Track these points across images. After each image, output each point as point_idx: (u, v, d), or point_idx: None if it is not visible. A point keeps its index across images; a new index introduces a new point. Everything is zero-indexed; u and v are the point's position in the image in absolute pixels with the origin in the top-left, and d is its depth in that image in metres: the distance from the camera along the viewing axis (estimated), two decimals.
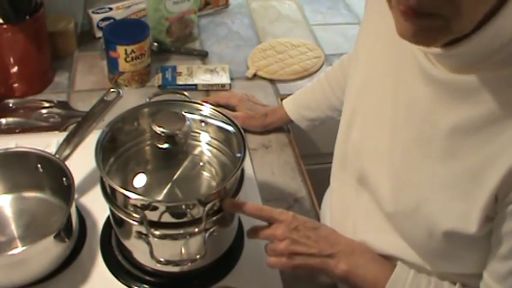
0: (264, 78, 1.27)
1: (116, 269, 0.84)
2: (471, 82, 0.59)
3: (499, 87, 0.58)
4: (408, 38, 0.57)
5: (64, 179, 0.84)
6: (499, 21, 0.54)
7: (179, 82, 1.21)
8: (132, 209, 0.74)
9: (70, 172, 0.84)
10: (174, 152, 0.79)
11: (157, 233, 0.73)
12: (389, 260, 0.75)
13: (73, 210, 0.82)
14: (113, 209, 0.76)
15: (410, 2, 0.52)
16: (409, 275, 0.71)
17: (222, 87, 1.22)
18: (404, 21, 0.55)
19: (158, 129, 0.76)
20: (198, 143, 0.83)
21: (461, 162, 0.62)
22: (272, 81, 1.26)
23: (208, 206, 0.73)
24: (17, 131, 1.07)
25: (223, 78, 1.23)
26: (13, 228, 0.87)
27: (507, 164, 0.58)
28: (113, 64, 1.17)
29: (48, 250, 0.78)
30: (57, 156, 0.89)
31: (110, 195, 0.77)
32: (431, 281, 0.71)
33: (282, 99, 1.15)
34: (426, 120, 0.66)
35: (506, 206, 0.60)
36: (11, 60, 1.12)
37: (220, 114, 0.84)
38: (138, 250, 0.80)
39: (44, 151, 0.88)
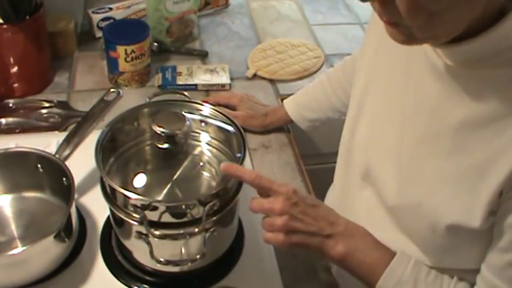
0: (264, 78, 1.27)
1: (116, 269, 0.84)
2: (480, 78, 0.60)
3: (508, 84, 0.58)
4: (396, 40, 0.60)
5: (64, 179, 0.84)
6: (508, 22, 0.55)
7: (179, 82, 1.21)
8: (132, 209, 0.74)
9: (70, 172, 0.84)
10: (174, 152, 0.79)
11: (157, 233, 0.73)
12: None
13: (73, 210, 0.82)
14: (113, 209, 0.76)
15: (382, 18, 0.57)
16: (409, 262, 0.71)
17: (222, 87, 1.22)
18: (389, 28, 0.59)
19: (158, 129, 0.76)
20: (198, 143, 0.83)
21: (468, 157, 0.63)
22: (272, 81, 1.26)
23: (208, 206, 0.73)
24: (17, 131, 1.07)
25: (223, 78, 1.23)
26: (13, 228, 0.87)
27: None
28: (113, 64, 1.17)
29: (48, 250, 0.78)
30: (57, 156, 0.89)
31: (110, 195, 0.77)
32: (431, 271, 0.71)
33: (282, 99, 1.15)
34: (434, 115, 0.66)
35: (509, 199, 0.60)
36: (11, 60, 1.12)
37: (220, 114, 0.84)
38: (138, 250, 0.80)
39: (44, 151, 0.88)
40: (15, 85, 1.14)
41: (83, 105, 1.13)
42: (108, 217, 0.87)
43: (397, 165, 0.72)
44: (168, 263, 0.76)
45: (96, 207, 0.91)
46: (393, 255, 0.72)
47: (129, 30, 1.18)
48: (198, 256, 0.76)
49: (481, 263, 0.67)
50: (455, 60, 0.62)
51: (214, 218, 0.75)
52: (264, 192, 0.73)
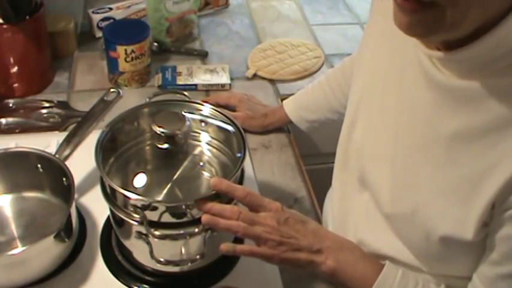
0: (264, 78, 1.27)
1: (116, 269, 0.84)
2: (475, 89, 0.59)
3: (503, 95, 0.58)
4: (403, 29, 0.58)
5: (64, 179, 0.84)
6: (504, 28, 0.54)
7: (179, 82, 1.21)
8: (132, 209, 0.74)
9: (70, 172, 0.84)
10: (174, 152, 0.79)
11: (157, 233, 0.73)
12: (385, 261, 0.75)
13: (73, 210, 0.82)
14: (113, 209, 0.76)
15: (411, 2, 0.53)
16: (397, 275, 0.71)
17: (222, 87, 1.22)
18: (400, 13, 0.56)
19: (158, 129, 0.76)
20: (198, 143, 0.83)
21: (460, 169, 0.62)
22: (272, 81, 1.26)
23: None
24: (17, 131, 1.07)
25: (223, 78, 1.23)
26: (13, 228, 0.87)
27: (507, 172, 0.58)
28: (113, 64, 1.17)
29: (48, 250, 0.78)
30: (57, 156, 0.89)
31: (110, 195, 0.77)
32: (418, 282, 0.71)
33: (282, 99, 1.15)
34: (428, 124, 0.65)
35: (503, 212, 0.60)
36: (11, 60, 1.12)
37: (220, 114, 0.84)
38: (138, 250, 0.80)
39: (44, 151, 0.88)
40: (15, 85, 1.14)
41: (83, 105, 1.13)
42: (108, 217, 0.87)
43: (391, 172, 0.71)
44: (168, 263, 0.76)
45: (96, 207, 0.91)
46: (382, 268, 0.72)
47: (129, 30, 1.18)
48: (198, 256, 0.76)
49: (474, 272, 0.67)
50: (451, 69, 0.61)
51: None
52: (254, 208, 0.74)
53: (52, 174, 0.87)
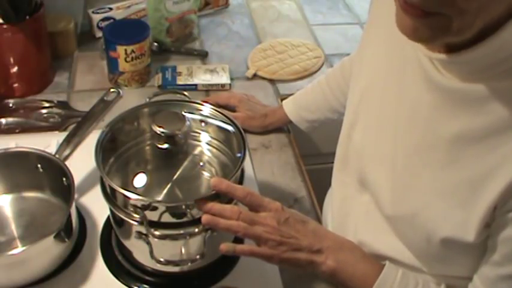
0: (264, 78, 1.27)
1: (116, 269, 0.84)
2: (476, 91, 0.59)
3: (504, 98, 0.58)
4: (406, 33, 0.57)
5: (64, 179, 0.84)
6: (508, 31, 0.54)
7: (179, 82, 1.21)
8: (132, 209, 0.74)
9: (70, 172, 0.84)
10: (174, 152, 0.79)
11: (157, 233, 0.73)
12: (385, 261, 0.75)
13: (73, 210, 0.82)
14: (113, 209, 0.76)
15: (413, 0, 0.52)
16: (397, 275, 0.71)
17: (222, 87, 1.22)
18: (405, 16, 0.55)
19: (158, 129, 0.76)
20: (198, 143, 0.83)
21: (461, 171, 0.62)
22: (272, 81, 1.26)
23: None
24: (17, 131, 1.07)
25: (223, 78, 1.23)
26: (13, 228, 0.87)
27: (508, 175, 0.57)
28: (113, 64, 1.17)
29: (48, 250, 0.78)
30: (57, 156, 0.89)
31: (110, 195, 0.77)
32: (419, 282, 0.71)
33: (282, 99, 1.15)
34: (428, 126, 0.65)
35: (505, 214, 0.60)
36: (11, 60, 1.12)
37: (220, 114, 0.84)
38: (138, 250, 0.80)
39: (44, 151, 0.88)
40: (15, 85, 1.14)
41: (83, 105, 1.13)
42: (108, 217, 0.87)
43: (391, 174, 0.71)
44: (168, 263, 0.76)
45: (96, 207, 0.91)
46: (382, 268, 0.72)
47: (129, 30, 1.18)
48: (198, 256, 0.76)
49: (474, 272, 0.67)
50: (452, 71, 0.61)
51: None
52: (254, 208, 0.74)
53: (52, 174, 0.87)
